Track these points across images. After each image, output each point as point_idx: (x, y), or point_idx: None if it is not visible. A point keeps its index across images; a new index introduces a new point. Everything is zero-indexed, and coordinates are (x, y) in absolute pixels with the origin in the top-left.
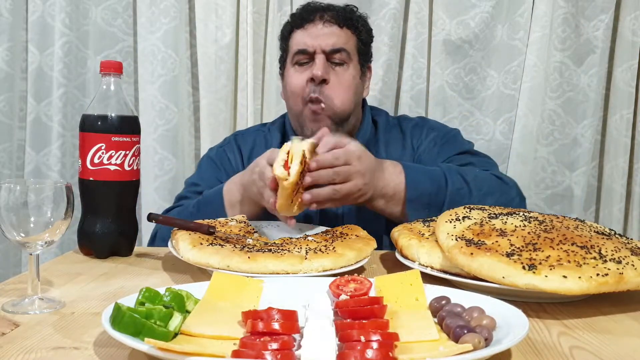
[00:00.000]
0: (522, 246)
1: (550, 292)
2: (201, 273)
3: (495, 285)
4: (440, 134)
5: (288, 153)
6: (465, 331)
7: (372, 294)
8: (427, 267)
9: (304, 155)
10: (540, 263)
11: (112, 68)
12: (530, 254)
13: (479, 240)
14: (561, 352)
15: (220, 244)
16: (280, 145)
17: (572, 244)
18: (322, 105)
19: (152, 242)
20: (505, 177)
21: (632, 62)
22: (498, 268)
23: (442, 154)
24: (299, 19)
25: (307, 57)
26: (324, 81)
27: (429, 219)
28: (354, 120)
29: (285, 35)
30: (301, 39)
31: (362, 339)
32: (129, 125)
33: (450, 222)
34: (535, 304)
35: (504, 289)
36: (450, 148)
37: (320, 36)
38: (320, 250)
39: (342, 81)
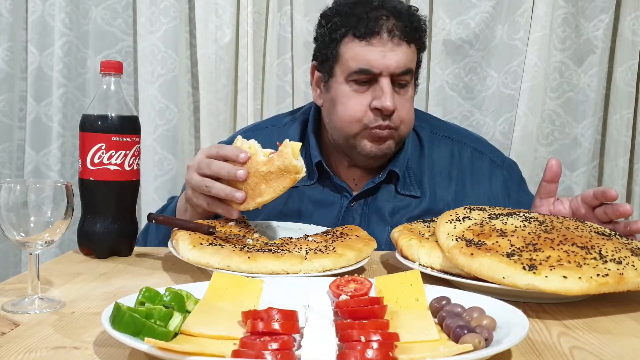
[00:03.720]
0: (523, 246)
1: (550, 292)
2: (201, 273)
3: (496, 285)
4: (509, 177)
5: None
6: (466, 331)
7: (372, 294)
8: (427, 267)
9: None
10: (540, 263)
11: (112, 68)
12: (530, 255)
13: (479, 240)
14: (561, 352)
15: (220, 244)
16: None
17: (573, 245)
18: (392, 131)
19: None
20: None
21: (632, 62)
22: (498, 268)
23: (512, 197)
24: (360, 27)
25: (368, 77)
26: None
27: (429, 219)
28: None
29: (335, 39)
30: (364, 55)
31: (362, 339)
32: (129, 125)
33: (451, 222)
34: (535, 304)
35: (504, 289)
36: (516, 187)
37: (389, 55)
38: (320, 250)
39: (406, 105)
